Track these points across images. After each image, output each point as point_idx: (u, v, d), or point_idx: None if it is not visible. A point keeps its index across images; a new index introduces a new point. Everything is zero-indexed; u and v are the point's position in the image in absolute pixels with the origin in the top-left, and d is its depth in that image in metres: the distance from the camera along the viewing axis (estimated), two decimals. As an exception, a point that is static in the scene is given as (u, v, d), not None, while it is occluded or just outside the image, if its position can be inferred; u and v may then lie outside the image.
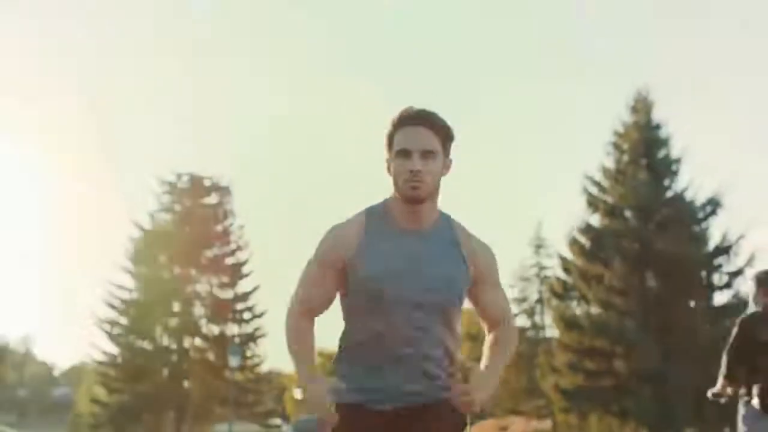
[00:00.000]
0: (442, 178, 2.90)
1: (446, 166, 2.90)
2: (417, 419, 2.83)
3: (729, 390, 5.82)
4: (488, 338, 3.05)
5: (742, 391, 5.74)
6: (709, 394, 5.95)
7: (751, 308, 5.85)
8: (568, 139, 67.36)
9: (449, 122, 2.92)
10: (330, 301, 2.93)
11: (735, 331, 5.76)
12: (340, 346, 2.97)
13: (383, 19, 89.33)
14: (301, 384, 2.87)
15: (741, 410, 5.77)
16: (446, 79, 78.06)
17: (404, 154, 2.82)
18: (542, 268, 39.56)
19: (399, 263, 2.81)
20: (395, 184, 2.87)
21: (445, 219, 2.94)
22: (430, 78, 79.03)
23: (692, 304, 28.82)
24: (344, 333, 2.95)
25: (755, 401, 5.63)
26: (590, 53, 77.18)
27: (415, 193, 2.81)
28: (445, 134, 2.86)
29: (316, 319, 2.97)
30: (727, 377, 5.77)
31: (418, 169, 2.79)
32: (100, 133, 78.90)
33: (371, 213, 2.91)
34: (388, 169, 2.90)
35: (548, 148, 70.13)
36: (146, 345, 36.86)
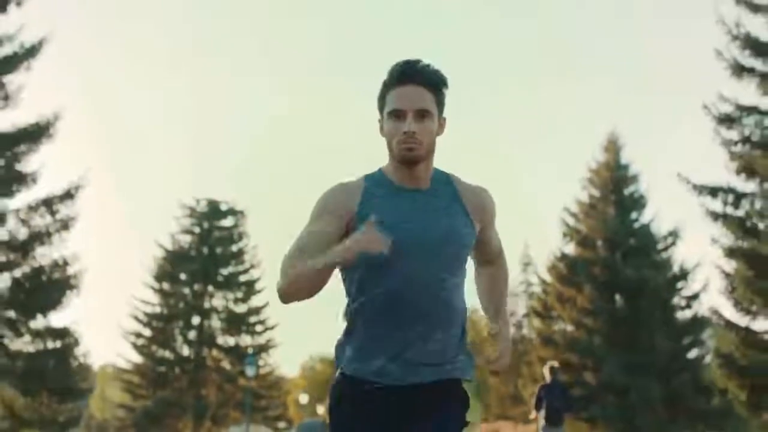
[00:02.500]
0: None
1: (441, 124, 2.88)
2: (429, 398, 2.81)
3: None
4: (483, 275, 3.16)
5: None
6: None
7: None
8: (554, 159, 72.66)
9: (443, 73, 2.87)
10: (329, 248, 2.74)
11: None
12: (348, 320, 2.90)
13: (382, 18, 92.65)
14: (331, 258, 2.66)
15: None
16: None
17: (397, 114, 2.80)
18: (529, 284, 44.83)
19: (403, 217, 2.80)
20: (389, 146, 2.85)
21: (443, 175, 2.95)
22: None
23: (654, 323, 33.95)
24: (353, 303, 2.87)
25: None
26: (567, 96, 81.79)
27: (410, 155, 2.80)
28: (438, 89, 2.85)
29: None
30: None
31: (413, 131, 2.78)
32: (125, 164, 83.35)
33: (370, 176, 2.92)
34: (381, 130, 2.88)
35: (536, 167, 75.19)
36: (167, 354, 41.61)
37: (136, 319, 41.42)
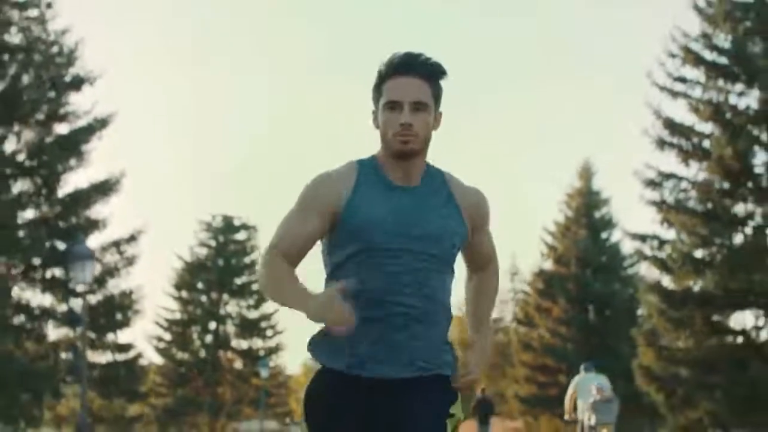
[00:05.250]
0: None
1: (437, 118, 2.91)
2: (413, 393, 2.86)
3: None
4: (473, 281, 3.17)
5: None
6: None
7: None
8: (548, 161, 78.67)
9: (442, 65, 2.91)
10: (308, 248, 2.90)
11: None
12: None
13: (381, 18, 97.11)
14: (301, 305, 2.74)
15: None
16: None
17: (393, 106, 2.83)
18: (516, 293, 51.34)
19: (393, 214, 2.84)
20: (383, 137, 2.87)
21: (437, 172, 2.97)
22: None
23: (621, 332, 40.38)
24: None
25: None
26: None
27: (405, 148, 2.82)
28: (436, 81, 2.89)
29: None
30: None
31: (409, 123, 2.80)
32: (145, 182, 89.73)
33: (363, 165, 2.93)
34: (375, 121, 2.91)
35: (531, 171, 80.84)
36: (186, 357, 47.49)
37: (158, 324, 47.29)
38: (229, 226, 48.98)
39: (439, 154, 3.10)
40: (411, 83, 2.83)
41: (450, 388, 2.93)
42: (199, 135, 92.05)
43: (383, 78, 2.88)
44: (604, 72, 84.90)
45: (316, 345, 2.96)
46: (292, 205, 2.93)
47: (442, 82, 2.93)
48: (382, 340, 2.84)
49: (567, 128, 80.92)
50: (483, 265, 3.15)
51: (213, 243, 48.69)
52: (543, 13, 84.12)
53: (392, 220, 2.84)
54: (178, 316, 47.41)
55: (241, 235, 49.14)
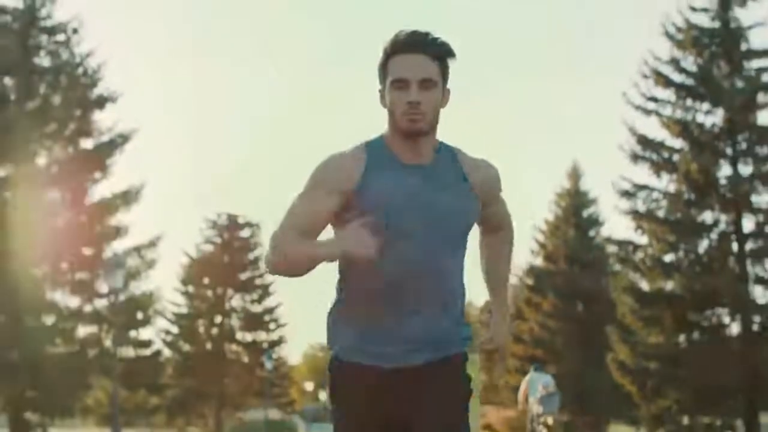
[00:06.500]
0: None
1: (445, 96, 2.91)
2: (431, 377, 2.89)
3: None
4: (485, 244, 3.23)
5: None
6: None
7: None
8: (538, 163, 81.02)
9: (449, 43, 2.88)
10: (318, 229, 2.91)
11: None
12: (338, 301, 2.99)
13: (381, 18, 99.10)
14: (326, 247, 2.84)
15: None
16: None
17: (401, 84, 2.83)
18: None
19: (404, 194, 2.85)
20: (391, 116, 2.88)
21: (448, 150, 2.98)
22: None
23: (606, 326, 43.39)
24: (344, 284, 2.98)
25: None
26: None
27: (415, 127, 2.83)
28: (444, 59, 2.88)
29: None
30: None
31: (417, 101, 2.81)
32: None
33: (372, 146, 2.93)
34: (382, 100, 2.92)
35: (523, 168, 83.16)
36: (193, 349, 50.64)
37: (166, 318, 50.17)
38: (233, 224, 51.70)
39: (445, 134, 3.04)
40: (418, 60, 2.83)
41: (465, 369, 3.00)
42: (203, 139, 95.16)
43: (389, 56, 2.87)
44: (607, 72, 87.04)
45: (332, 329, 3.02)
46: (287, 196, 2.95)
47: (450, 61, 2.92)
48: (399, 327, 2.88)
49: (558, 128, 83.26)
50: (493, 229, 3.20)
51: (218, 240, 51.39)
52: (544, 7, 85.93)
53: (404, 200, 2.86)
54: (184, 310, 49.60)
55: (245, 233, 51.62)
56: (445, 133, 2.96)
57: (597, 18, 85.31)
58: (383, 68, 2.90)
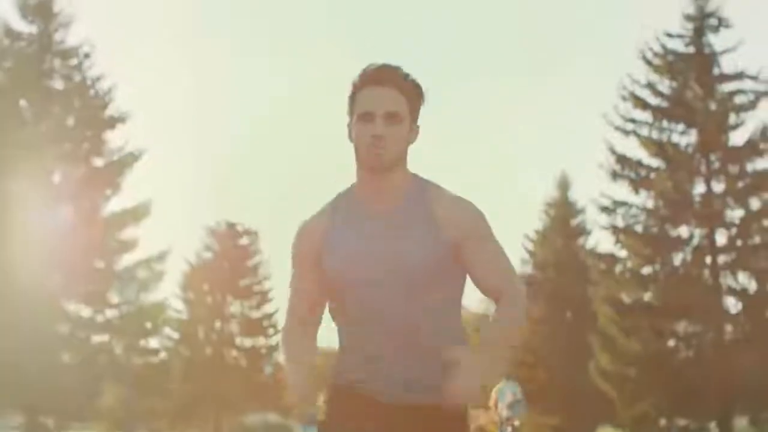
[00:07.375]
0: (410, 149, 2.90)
1: (414, 131, 2.89)
2: (414, 421, 2.89)
3: None
4: (492, 316, 3.02)
5: None
6: None
7: None
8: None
9: (420, 82, 2.88)
10: (318, 303, 3.02)
11: None
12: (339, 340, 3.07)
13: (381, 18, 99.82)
14: (290, 385, 2.96)
15: None
16: (446, 76, 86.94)
17: (366, 117, 2.81)
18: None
19: (359, 247, 2.88)
20: (356, 151, 2.86)
21: (419, 189, 2.93)
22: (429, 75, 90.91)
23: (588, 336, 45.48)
24: (334, 323, 3.09)
25: None
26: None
27: (377, 161, 2.82)
28: (413, 94, 2.86)
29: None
30: None
31: (381, 135, 2.78)
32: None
33: (339, 200, 2.97)
34: (350, 134, 2.89)
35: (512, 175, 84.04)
36: (193, 354, 52.41)
37: (169, 325, 51.75)
38: (232, 232, 53.41)
39: (424, 155, 2.87)
40: (384, 93, 2.81)
41: (450, 419, 2.92)
42: (207, 149, 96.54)
43: (357, 88, 2.86)
44: (602, 76, 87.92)
45: (338, 353, 3.05)
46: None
47: (420, 97, 2.90)
48: (377, 369, 2.90)
49: (546, 137, 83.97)
50: (494, 287, 2.97)
51: (217, 247, 52.98)
52: (535, 6, 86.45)
53: (364, 254, 2.87)
54: (184, 316, 51.13)
55: (243, 240, 53.48)
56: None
57: (597, 18, 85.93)
58: (351, 101, 2.89)
